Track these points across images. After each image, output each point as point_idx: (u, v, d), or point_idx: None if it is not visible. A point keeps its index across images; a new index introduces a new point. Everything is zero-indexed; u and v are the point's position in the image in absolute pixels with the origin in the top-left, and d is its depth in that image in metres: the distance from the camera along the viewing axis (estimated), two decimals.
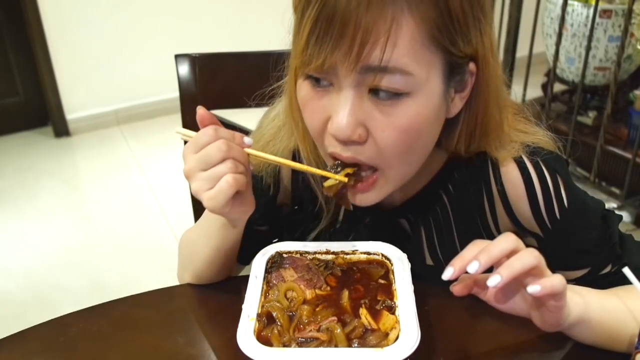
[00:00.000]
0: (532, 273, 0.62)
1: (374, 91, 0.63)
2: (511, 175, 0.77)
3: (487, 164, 0.78)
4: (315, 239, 0.87)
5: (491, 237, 0.83)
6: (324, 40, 0.60)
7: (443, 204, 0.83)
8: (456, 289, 0.66)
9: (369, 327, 0.67)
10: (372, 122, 0.64)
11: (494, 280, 0.60)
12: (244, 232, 0.82)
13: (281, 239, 0.82)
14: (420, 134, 0.66)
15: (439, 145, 0.75)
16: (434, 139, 0.71)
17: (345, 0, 0.58)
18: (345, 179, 0.69)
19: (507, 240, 0.62)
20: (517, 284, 0.64)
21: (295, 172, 0.86)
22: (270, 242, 0.89)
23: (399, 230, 0.86)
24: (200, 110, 0.69)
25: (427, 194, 0.82)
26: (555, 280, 0.62)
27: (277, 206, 0.90)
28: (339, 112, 0.64)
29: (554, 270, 0.81)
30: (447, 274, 0.62)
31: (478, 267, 0.61)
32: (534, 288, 0.61)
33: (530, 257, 0.61)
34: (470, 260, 0.61)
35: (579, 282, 0.80)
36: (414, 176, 0.76)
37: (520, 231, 0.81)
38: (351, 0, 0.58)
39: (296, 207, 0.88)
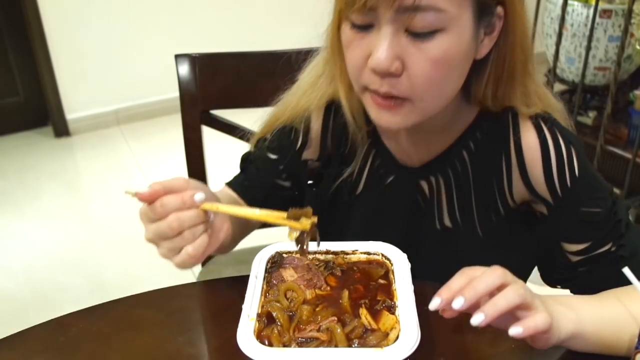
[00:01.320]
0: (519, 307, 0.62)
1: (410, 31, 0.67)
2: (528, 137, 0.80)
3: (509, 123, 0.80)
4: (334, 201, 0.90)
5: (505, 204, 0.84)
6: None
7: (464, 165, 0.84)
8: (447, 314, 0.65)
9: (369, 327, 0.67)
10: (408, 57, 0.68)
11: (477, 319, 0.61)
12: (265, 187, 0.89)
13: (302, 194, 0.85)
14: (451, 68, 0.70)
15: (469, 96, 0.78)
16: (463, 75, 0.74)
17: None
18: (307, 228, 0.69)
19: (494, 275, 0.62)
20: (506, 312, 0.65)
21: (325, 127, 0.90)
22: (292, 199, 0.94)
23: (419, 194, 0.87)
24: (139, 196, 0.68)
25: (451, 154, 0.84)
26: (539, 320, 0.62)
27: (302, 161, 0.92)
28: (378, 47, 0.68)
29: (556, 241, 0.81)
30: (434, 305, 0.63)
31: (463, 303, 0.61)
32: (516, 330, 0.61)
33: (515, 295, 0.61)
34: (457, 292, 0.62)
35: (575, 255, 0.80)
36: (441, 132, 0.81)
37: (532, 196, 0.82)
38: None
39: (320, 162, 0.92)
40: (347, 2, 0.68)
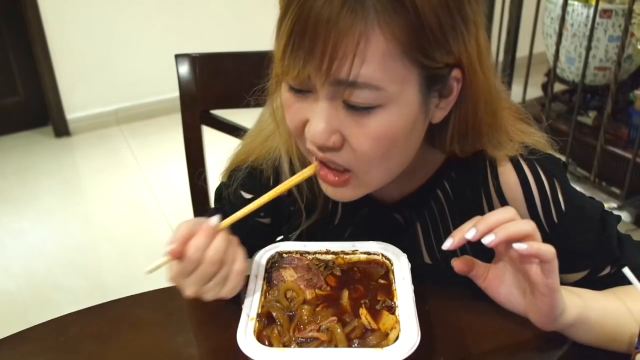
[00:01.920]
0: (528, 237, 0.63)
1: (347, 104, 0.64)
2: (508, 177, 0.78)
3: (484, 164, 0.78)
4: (312, 232, 0.87)
5: None
6: (297, 54, 0.61)
7: (440, 203, 0.83)
8: (456, 263, 0.68)
9: (369, 327, 0.67)
10: (347, 131, 0.65)
11: (488, 239, 0.62)
12: (247, 226, 0.82)
13: (281, 231, 0.81)
14: (396, 143, 0.66)
15: (434, 146, 0.75)
16: (415, 145, 0.71)
17: (315, 15, 0.59)
18: (314, 170, 0.71)
19: (505, 210, 0.64)
20: (512, 263, 0.66)
21: (293, 165, 0.86)
22: (272, 235, 0.89)
23: (395, 226, 0.86)
24: (172, 254, 0.66)
25: (424, 192, 0.83)
26: (544, 247, 0.62)
27: (278, 197, 0.90)
28: (315, 119, 0.65)
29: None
30: (447, 244, 0.64)
31: (475, 234, 0.62)
32: (520, 245, 0.62)
33: (526, 225, 0.63)
34: (469, 229, 0.63)
35: (577, 284, 0.80)
36: (412, 174, 0.76)
37: None
38: (321, 16, 0.58)
39: (293, 199, 0.89)
40: (283, 70, 0.64)
